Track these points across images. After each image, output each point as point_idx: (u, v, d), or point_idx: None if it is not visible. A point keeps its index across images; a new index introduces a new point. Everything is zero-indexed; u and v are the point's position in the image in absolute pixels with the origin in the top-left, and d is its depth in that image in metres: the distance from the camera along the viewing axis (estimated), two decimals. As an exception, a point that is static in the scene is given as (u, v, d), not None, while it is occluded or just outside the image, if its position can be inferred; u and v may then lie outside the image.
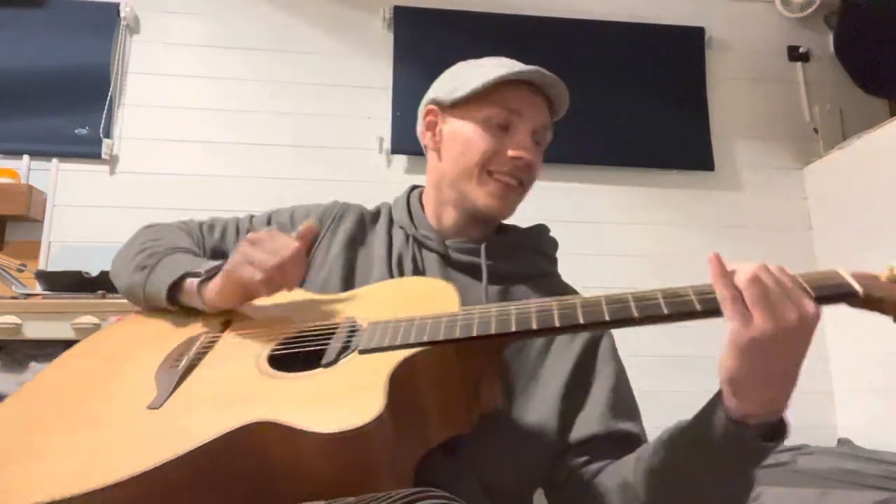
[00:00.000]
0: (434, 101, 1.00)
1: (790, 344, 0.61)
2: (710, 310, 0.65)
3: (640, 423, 0.88)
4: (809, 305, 0.62)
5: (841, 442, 2.61)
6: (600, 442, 0.83)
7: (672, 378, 2.58)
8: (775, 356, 0.61)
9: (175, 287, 0.86)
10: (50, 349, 1.87)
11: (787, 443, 2.57)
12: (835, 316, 3.01)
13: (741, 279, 0.62)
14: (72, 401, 0.76)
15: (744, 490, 0.71)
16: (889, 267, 0.65)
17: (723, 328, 0.63)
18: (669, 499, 0.73)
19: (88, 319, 1.86)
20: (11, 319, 1.87)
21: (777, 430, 0.66)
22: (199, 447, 0.61)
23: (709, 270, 0.65)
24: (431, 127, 1.01)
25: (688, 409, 0.76)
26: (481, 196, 0.94)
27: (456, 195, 0.97)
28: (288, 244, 0.79)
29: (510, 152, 0.92)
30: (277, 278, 0.78)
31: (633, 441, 0.85)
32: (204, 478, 0.62)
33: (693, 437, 0.70)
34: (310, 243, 0.86)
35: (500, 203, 0.94)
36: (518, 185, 0.95)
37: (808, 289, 0.64)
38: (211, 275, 0.84)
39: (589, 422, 0.85)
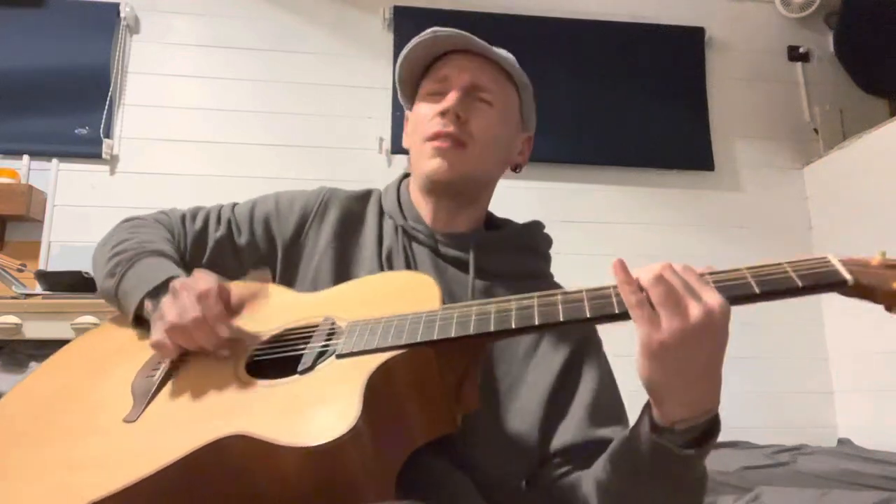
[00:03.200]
0: (405, 107, 1.03)
1: (700, 341, 0.59)
2: (602, 315, 0.64)
3: (624, 427, 0.85)
4: (715, 299, 0.60)
5: (841, 442, 2.61)
6: (578, 451, 0.81)
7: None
8: (688, 356, 0.60)
9: (139, 309, 0.84)
10: (50, 349, 1.86)
11: (787, 443, 2.57)
12: (834, 316, 2.99)
13: (645, 280, 0.61)
14: (51, 415, 0.75)
15: (692, 494, 0.69)
16: (881, 252, 0.62)
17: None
18: None
19: (88, 319, 1.86)
20: (11, 319, 1.87)
21: (711, 431, 0.64)
22: (175, 462, 0.61)
23: (614, 278, 0.63)
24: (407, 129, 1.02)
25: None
26: (425, 164, 0.92)
27: (416, 179, 0.96)
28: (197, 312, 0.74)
29: (438, 109, 0.92)
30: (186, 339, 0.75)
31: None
32: (182, 492, 0.62)
33: (624, 451, 0.69)
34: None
35: (438, 162, 0.90)
36: (455, 143, 0.90)
37: (713, 283, 0.62)
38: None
39: (568, 430, 0.83)
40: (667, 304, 0.60)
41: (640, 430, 0.66)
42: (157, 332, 0.75)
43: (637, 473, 0.68)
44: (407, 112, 1.03)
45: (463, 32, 0.93)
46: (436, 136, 0.91)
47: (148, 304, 0.82)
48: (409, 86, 1.00)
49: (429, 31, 0.94)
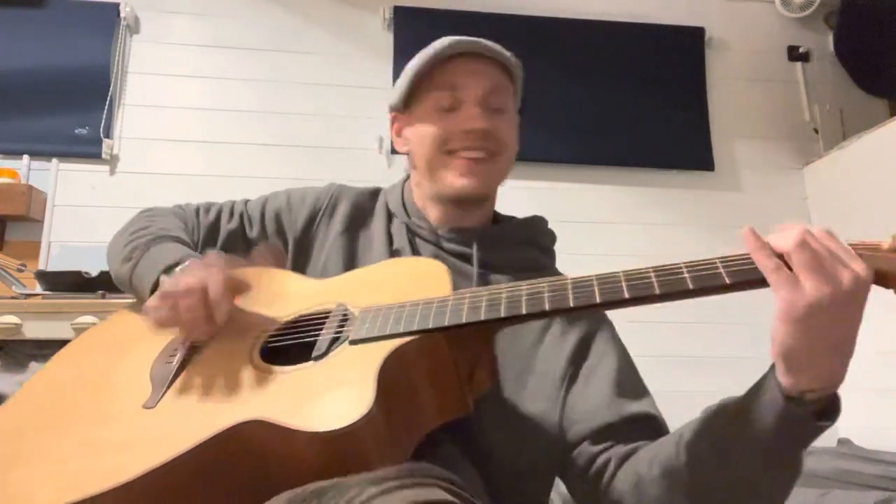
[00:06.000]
0: (392, 108, 1.02)
1: (847, 309, 0.58)
2: (741, 281, 0.62)
3: (650, 401, 0.87)
4: (861, 267, 0.59)
5: (841, 442, 2.61)
6: (614, 429, 0.82)
7: (673, 378, 2.58)
8: (833, 323, 0.58)
9: (156, 288, 0.84)
10: (50, 349, 1.87)
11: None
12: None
13: (787, 245, 0.60)
14: (71, 402, 0.77)
15: (795, 473, 0.68)
16: (892, 235, 0.60)
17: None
18: (718, 484, 0.70)
19: (88, 319, 1.86)
20: (11, 319, 1.87)
21: (831, 405, 0.63)
22: (193, 448, 0.62)
23: (744, 244, 0.63)
24: (399, 132, 1.01)
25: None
26: (450, 178, 0.93)
27: (432, 188, 0.96)
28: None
29: (462, 127, 0.92)
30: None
31: (647, 421, 0.83)
32: (200, 477, 0.63)
33: (744, 420, 0.66)
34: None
35: (469, 180, 0.92)
36: (485, 156, 0.93)
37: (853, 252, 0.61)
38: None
39: (598, 411, 0.83)
40: (812, 269, 0.58)
41: (766, 400, 0.64)
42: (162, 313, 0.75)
43: (751, 446, 0.66)
44: (396, 114, 1.01)
45: (479, 40, 0.93)
46: (468, 151, 0.92)
47: (164, 280, 0.83)
48: (407, 87, 0.98)
49: (447, 39, 0.93)
